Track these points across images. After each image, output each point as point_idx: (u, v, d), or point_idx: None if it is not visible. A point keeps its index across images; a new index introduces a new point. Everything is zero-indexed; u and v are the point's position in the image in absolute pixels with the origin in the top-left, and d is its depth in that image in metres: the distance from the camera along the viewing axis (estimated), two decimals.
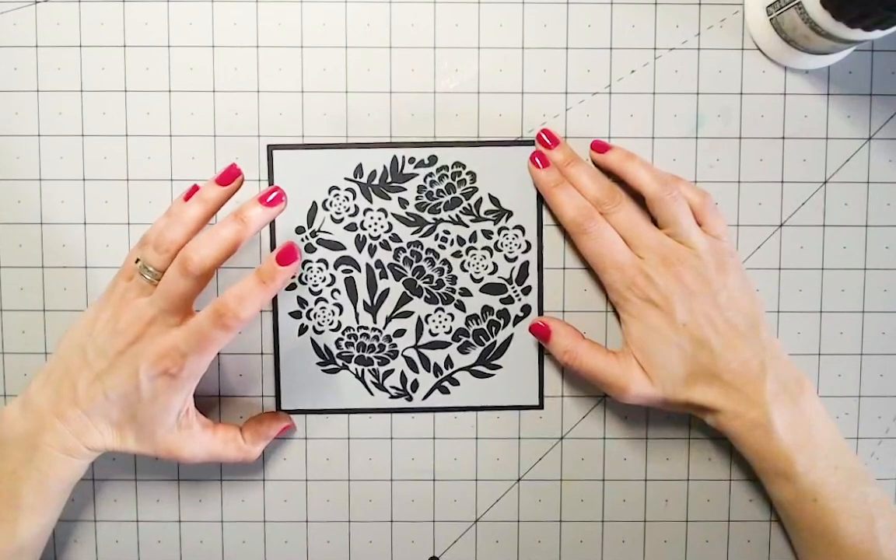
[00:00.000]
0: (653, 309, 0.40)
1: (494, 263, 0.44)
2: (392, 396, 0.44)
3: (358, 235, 0.43)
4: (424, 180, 0.43)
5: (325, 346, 0.44)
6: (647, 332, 0.40)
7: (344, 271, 0.43)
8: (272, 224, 0.43)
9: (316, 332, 0.44)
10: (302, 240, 0.43)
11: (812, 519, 0.38)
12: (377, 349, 0.44)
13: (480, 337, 0.44)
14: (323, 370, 0.44)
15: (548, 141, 0.42)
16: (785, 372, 0.39)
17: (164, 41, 0.43)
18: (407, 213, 0.43)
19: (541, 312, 0.44)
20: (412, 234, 0.43)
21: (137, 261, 0.37)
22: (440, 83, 0.43)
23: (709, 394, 0.39)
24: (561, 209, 0.41)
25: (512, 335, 0.44)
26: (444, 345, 0.44)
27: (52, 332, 0.44)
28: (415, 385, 0.44)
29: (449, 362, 0.44)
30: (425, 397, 0.44)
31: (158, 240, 0.37)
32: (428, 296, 0.44)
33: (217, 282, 0.43)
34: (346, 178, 0.43)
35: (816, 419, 0.39)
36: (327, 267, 0.44)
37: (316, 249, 0.43)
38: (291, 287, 0.43)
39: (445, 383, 0.44)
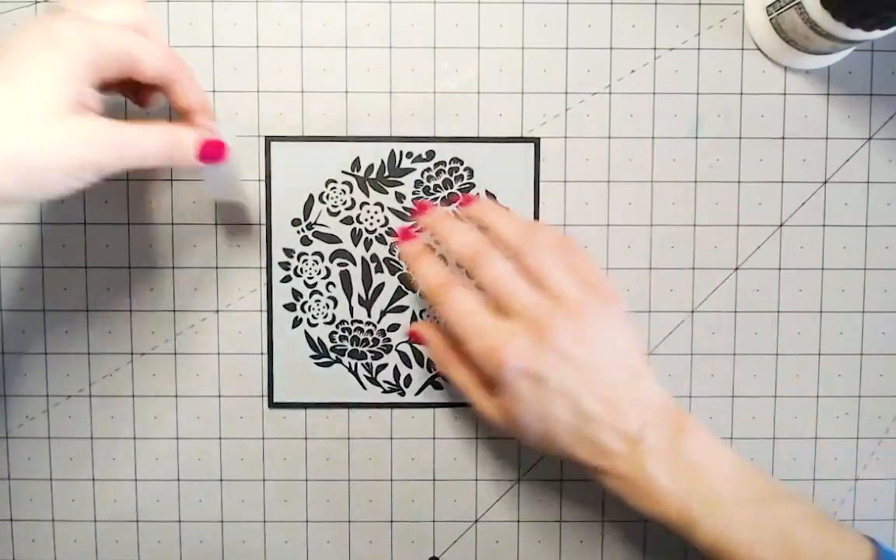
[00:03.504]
0: (522, 379, 0.35)
1: None
2: (385, 391, 0.44)
3: (354, 229, 0.43)
4: (422, 175, 0.43)
5: (318, 339, 0.44)
6: (514, 403, 0.36)
7: (339, 264, 0.44)
8: (269, 214, 0.43)
9: (310, 325, 0.44)
10: (298, 232, 0.43)
11: (728, 558, 0.36)
12: (371, 343, 0.44)
13: None
14: (316, 363, 0.44)
15: (417, 209, 0.42)
16: (664, 420, 0.36)
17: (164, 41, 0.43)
18: (404, 208, 0.43)
19: None
20: (408, 228, 0.43)
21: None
22: (440, 83, 0.43)
23: (581, 456, 0.36)
24: (420, 282, 0.39)
25: None
26: None
27: (51, 332, 0.44)
28: (408, 380, 0.44)
29: None
30: (418, 392, 0.44)
31: None
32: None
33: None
34: (343, 172, 0.43)
35: (706, 458, 0.36)
36: (322, 260, 0.44)
37: (312, 242, 0.43)
38: (286, 279, 0.43)
39: (438, 379, 0.44)
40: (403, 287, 0.44)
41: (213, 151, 0.36)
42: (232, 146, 0.37)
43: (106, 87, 0.34)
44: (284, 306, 0.44)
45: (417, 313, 0.44)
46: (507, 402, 0.36)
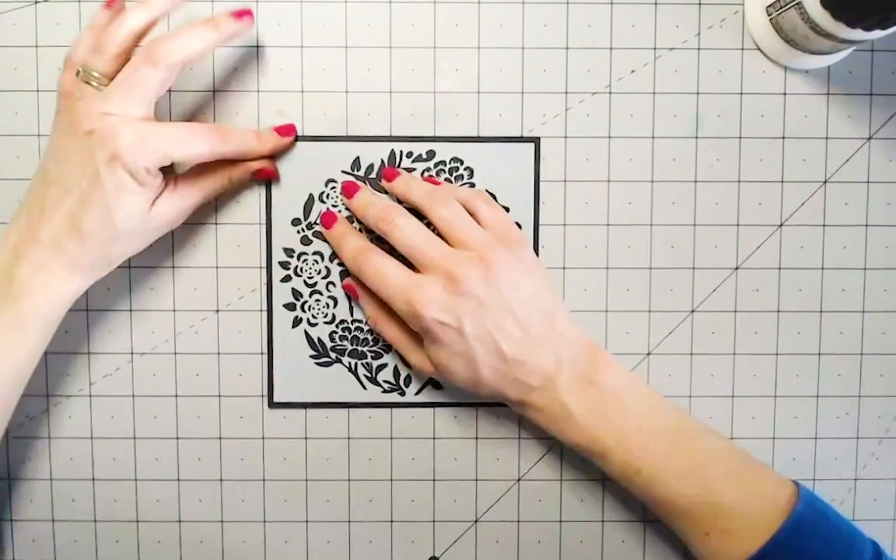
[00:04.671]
0: (442, 328, 0.38)
1: None
2: (385, 391, 0.44)
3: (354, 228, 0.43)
4: (422, 175, 0.43)
5: (318, 339, 0.44)
6: (439, 352, 0.39)
7: (339, 264, 0.43)
8: (269, 214, 0.43)
9: (310, 324, 0.44)
10: (298, 232, 0.43)
11: (643, 490, 0.38)
12: (371, 343, 0.44)
13: None
14: (316, 363, 0.44)
15: (344, 191, 0.43)
16: (578, 355, 0.39)
17: None
18: (404, 208, 0.43)
19: None
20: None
21: (78, 74, 0.37)
22: (440, 83, 0.43)
23: (507, 393, 0.39)
24: (342, 257, 0.42)
25: None
26: None
27: None
28: (408, 380, 0.44)
29: None
30: (418, 392, 0.44)
31: (101, 44, 0.37)
32: None
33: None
34: (343, 171, 0.43)
35: (621, 391, 0.39)
36: (323, 259, 0.44)
37: (312, 242, 0.43)
38: (286, 279, 0.43)
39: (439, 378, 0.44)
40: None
41: (267, 174, 0.43)
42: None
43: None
44: (284, 306, 0.44)
45: None
46: (433, 353, 0.39)
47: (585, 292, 0.44)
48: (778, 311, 0.44)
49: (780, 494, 0.37)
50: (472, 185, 0.43)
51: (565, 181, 0.44)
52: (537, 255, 0.43)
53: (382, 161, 0.43)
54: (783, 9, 0.40)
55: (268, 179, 0.43)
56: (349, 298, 0.44)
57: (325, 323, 0.44)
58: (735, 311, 0.44)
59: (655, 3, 0.43)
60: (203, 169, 0.41)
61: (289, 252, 0.43)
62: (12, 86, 0.43)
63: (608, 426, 0.38)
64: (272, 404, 0.44)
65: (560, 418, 0.39)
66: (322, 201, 0.43)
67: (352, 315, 0.44)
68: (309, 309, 0.44)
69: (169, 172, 0.40)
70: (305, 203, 0.43)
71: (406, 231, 0.40)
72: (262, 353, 0.44)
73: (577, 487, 0.44)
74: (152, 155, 0.36)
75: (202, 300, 0.44)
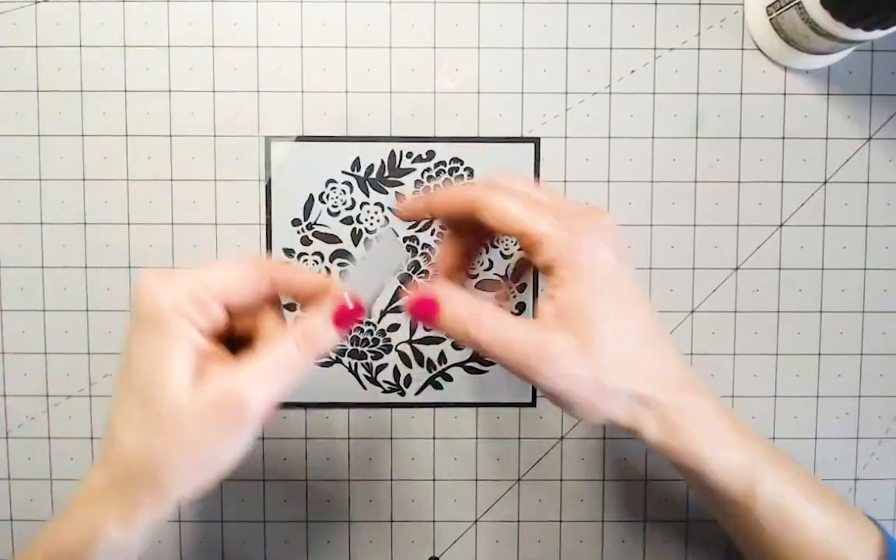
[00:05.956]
0: (604, 255, 0.30)
1: (490, 260, 0.44)
2: (385, 391, 0.44)
3: (354, 229, 0.43)
4: (422, 175, 0.43)
5: None
6: (592, 294, 0.29)
7: (339, 264, 0.44)
8: (269, 214, 0.43)
9: None
10: (298, 232, 0.43)
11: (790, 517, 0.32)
12: (371, 343, 0.44)
13: None
14: (316, 363, 0.44)
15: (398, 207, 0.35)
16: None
17: (164, 41, 0.43)
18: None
19: (535, 310, 0.44)
20: (408, 228, 0.43)
21: None
22: (440, 83, 0.43)
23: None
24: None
25: None
26: (439, 340, 0.44)
27: (51, 332, 0.44)
28: (408, 380, 0.44)
29: (442, 358, 0.44)
30: (418, 392, 0.44)
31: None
32: None
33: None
34: (343, 172, 0.43)
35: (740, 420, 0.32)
36: (323, 260, 0.44)
37: (312, 242, 0.44)
38: None
39: (439, 379, 0.44)
40: (404, 288, 0.44)
41: (347, 317, 0.32)
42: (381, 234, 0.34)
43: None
44: (285, 306, 0.44)
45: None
46: (578, 300, 0.29)
47: None
48: (778, 311, 0.44)
49: (867, 534, 0.33)
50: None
51: (565, 181, 0.44)
52: None
53: (382, 162, 0.43)
54: (783, 9, 0.40)
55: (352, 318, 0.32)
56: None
57: None
58: (735, 311, 0.44)
59: (655, 3, 0.43)
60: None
61: (289, 252, 0.43)
62: (12, 86, 0.43)
63: (755, 456, 0.31)
64: None
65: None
66: (322, 201, 0.43)
67: None
68: None
69: None
70: (305, 203, 0.43)
71: (517, 191, 0.31)
72: None
73: (577, 487, 0.44)
74: None
75: None
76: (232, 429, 0.28)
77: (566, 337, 0.29)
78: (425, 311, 0.30)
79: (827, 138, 0.43)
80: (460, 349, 0.44)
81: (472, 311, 0.30)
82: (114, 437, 0.29)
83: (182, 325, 0.28)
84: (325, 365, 0.44)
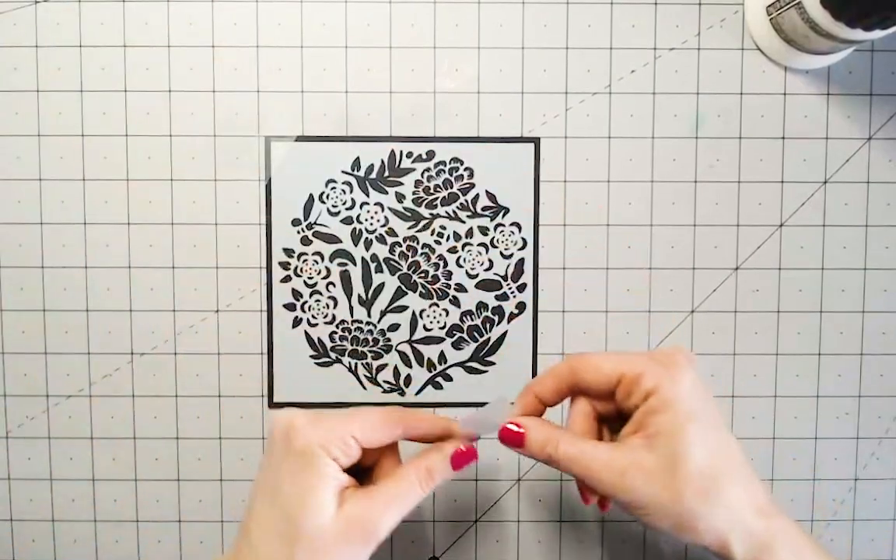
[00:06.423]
0: (698, 386, 0.33)
1: (490, 260, 0.44)
2: (385, 391, 0.44)
3: (354, 229, 0.43)
4: (422, 175, 0.43)
5: (318, 339, 0.44)
6: (686, 420, 0.32)
7: (339, 264, 0.44)
8: (269, 214, 0.43)
9: (310, 324, 0.44)
10: (298, 232, 0.43)
11: None
12: (371, 343, 0.44)
13: (475, 333, 0.44)
14: (316, 363, 0.44)
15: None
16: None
17: (164, 41, 0.43)
18: (404, 208, 0.43)
19: (535, 310, 0.44)
20: (408, 228, 0.43)
21: None
22: (440, 83, 0.43)
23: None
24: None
25: (506, 332, 0.44)
26: (439, 340, 0.44)
27: (51, 331, 0.44)
28: (408, 380, 0.44)
29: (443, 358, 0.44)
30: (418, 392, 0.44)
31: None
32: (423, 291, 0.44)
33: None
34: (343, 172, 0.43)
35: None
36: (323, 260, 0.44)
37: (312, 242, 0.44)
38: (286, 279, 0.43)
39: (439, 379, 0.44)
40: (403, 287, 0.44)
41: (463, 460, 0.36)
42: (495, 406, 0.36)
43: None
44: (284, 306, 0.44)
45: (417, 313, 0.44)
46: (669, 419, 0.32)
47: (585, 292, 0.44)
48: (778, 311, 0.44)
49: None
50: (472, 186, 0.43)
51: (565, 181, 0.44)
52: (536, 253, 0.43)
53: (382, 162, 0.43)
54: (783, 9, 0.40)
55: (467, 461, 0.36)
56: (349, 299, 0.44)
57: (325, 323, 0.44)
58: (735, 311, 0.44)
59: (655, 3, 0.43)
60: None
61: (289, 252, 0.43)
62: (12, 86, 0.43)
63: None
64: (272, 404, 0.44)
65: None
66: (322, 201, 0.43)
67: (351, 315, 0.44)
68: (309, 309, 0.44)
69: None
70: (305, 203, 0.43)
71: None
72: (262, 354, 0.44)
73: (577, 488, 0.44)
74: None
75: (202, 300, 0.44)
76: (363, 548, 0.33)
77: (653, 460, 0.32)
78: (513, 439, 0.35)
79: (827, 138, 0.43)
80: (460, 349, 0.44)
81: (550, 436, 0.35)
82: (251, 541, 0.34)
83: (330, 464, 0.33)
84: (325, 365, 0.44)
